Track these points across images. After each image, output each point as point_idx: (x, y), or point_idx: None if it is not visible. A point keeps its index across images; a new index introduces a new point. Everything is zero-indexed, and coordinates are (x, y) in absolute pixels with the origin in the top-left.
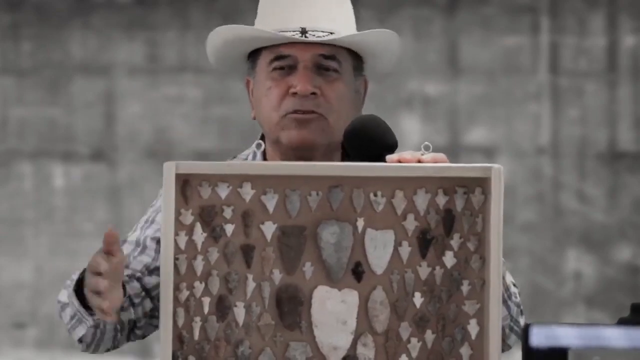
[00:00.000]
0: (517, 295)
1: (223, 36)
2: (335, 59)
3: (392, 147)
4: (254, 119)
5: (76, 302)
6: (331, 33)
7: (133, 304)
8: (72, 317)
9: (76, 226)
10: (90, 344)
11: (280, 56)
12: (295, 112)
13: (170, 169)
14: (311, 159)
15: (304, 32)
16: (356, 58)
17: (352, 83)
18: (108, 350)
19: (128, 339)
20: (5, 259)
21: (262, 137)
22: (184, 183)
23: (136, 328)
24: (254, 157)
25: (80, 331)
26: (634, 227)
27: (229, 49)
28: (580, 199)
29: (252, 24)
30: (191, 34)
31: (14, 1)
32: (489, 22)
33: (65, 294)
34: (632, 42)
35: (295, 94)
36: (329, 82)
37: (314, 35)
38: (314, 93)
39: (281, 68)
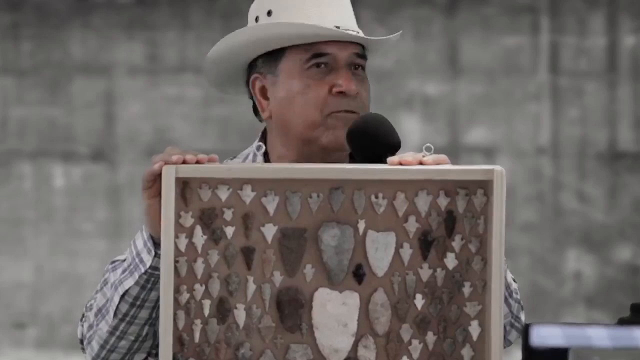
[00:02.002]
0: (517, 292)
1: (249, 36)
2: (364, 58)
3: (395, 147)
4: (269, 118)
5: (146, 234)
6: (357, 32)
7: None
8: (123, 270)
9: (76, 226)
10: (133, 303)
11: (319, 54)
12: (341, 111)
13: (170, 173)
14: (337, 161)
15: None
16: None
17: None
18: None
19: None
20: (5, 259)
21: (263, 136)
22: (184, 185)
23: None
24: (254, 158)
25: (129, 283)
26: (634, 227)
27: (247, 50)
28: (580, 199)
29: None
30: (191, 34)
31: (14, 1)
32: (489, 22)
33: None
34: (632, 42)
35: (341, 92)
36: (360, 81)
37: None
38: (357, 93)
39: (318, 65)
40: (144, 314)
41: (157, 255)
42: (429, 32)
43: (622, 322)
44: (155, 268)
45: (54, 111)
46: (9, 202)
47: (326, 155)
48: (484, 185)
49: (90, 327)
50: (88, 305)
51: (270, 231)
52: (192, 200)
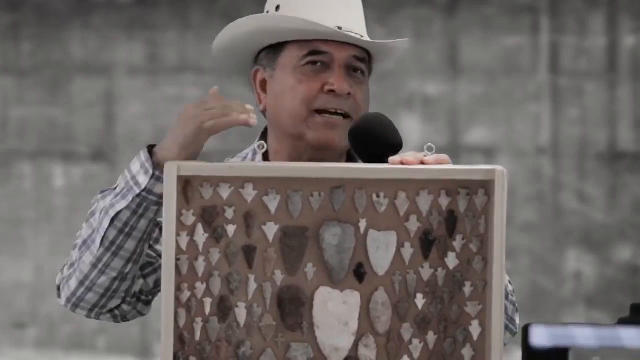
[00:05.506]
0: (513, 294)
1: (251, 25)
2: (364, 62)
3: (396, 146)
4: (264, 111)
5: (145, 155)
6: (361, 36)
7: (143, 276)
8: (115, 196)
9: (76, 226)
10: (122, 229)
11: (316, 51)
12: (327, 111)
13: (172, 170)
14: (326, 159)
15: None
16: (370, 61)
17: (369, 86)
18: (117, 306)
19: (136, 311)
20: (5, 259)
21: (263, 135)
22: (186, 183)
23: (142, 295)
24: (254, 157)
25: (121, 205)
26: (634, 227)
27: (251, 41)
28: (580, 199)
29: None
30: (191, 34)
31: (14, 1)
32: (489, 22)
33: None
34: (632, 42)
35: (331, 91)
36: (358, 83)
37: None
38: (349, 93)
39: (314, 63)
40: (130, 244)
41: (154, 177)
42: (429, 32)
43: (622, 322)
44: (149, 191)
45: (54, 111)
46: (9, 202)
47: (315, 152)
48: (485, 185)
49: (72, 265)
50: (71, 251)
51: (271, 230)
52: (194, 198)
